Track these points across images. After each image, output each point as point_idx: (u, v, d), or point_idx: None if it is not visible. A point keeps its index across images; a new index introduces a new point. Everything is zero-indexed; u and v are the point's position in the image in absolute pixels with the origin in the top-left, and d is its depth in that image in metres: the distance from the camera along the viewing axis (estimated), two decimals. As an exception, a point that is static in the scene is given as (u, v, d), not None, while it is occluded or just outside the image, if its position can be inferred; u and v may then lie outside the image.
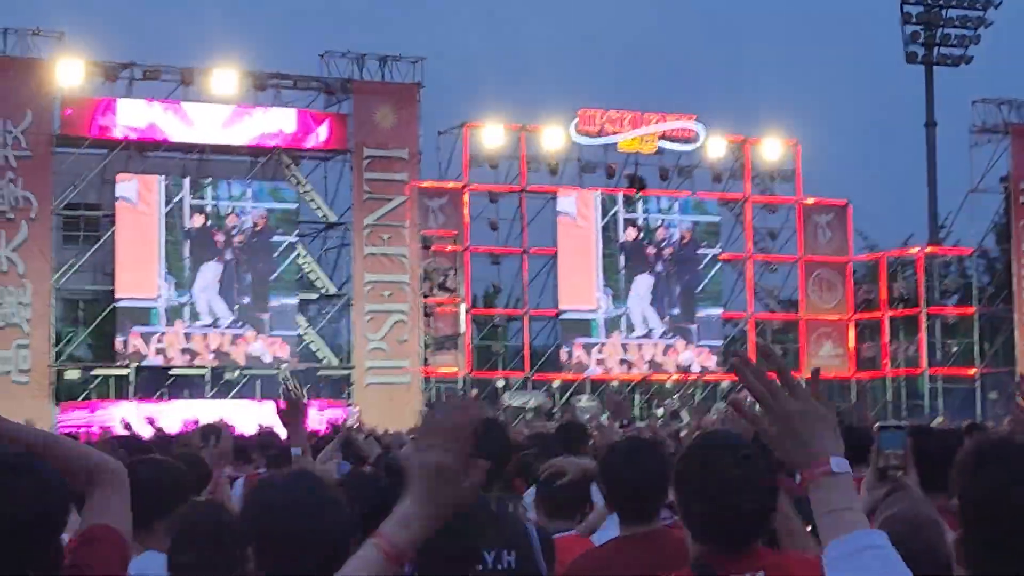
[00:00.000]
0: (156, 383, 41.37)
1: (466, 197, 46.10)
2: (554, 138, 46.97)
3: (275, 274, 43.20)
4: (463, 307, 45.16)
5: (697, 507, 4.00)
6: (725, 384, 47.53)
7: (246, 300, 42.72)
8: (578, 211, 47.17)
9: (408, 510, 2.96)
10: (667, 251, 48.28)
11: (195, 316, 42.13)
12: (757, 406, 2.91)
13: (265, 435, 13.05)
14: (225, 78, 42.74)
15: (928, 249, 51.14)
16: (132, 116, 42.02)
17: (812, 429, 2.87)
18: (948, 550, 3.88)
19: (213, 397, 39.94)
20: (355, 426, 13.21)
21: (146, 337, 41.44)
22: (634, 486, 5.37)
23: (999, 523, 2.72)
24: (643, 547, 5.22)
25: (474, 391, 41.65)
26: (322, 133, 44.25)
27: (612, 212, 47.75)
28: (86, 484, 3.84)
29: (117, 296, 41.40)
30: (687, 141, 48.27)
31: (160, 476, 6.07)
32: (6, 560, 3.40)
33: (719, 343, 49.03)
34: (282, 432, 12.10)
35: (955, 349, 49.56)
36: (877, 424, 4.67)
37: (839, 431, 2.87)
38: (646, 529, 5.38)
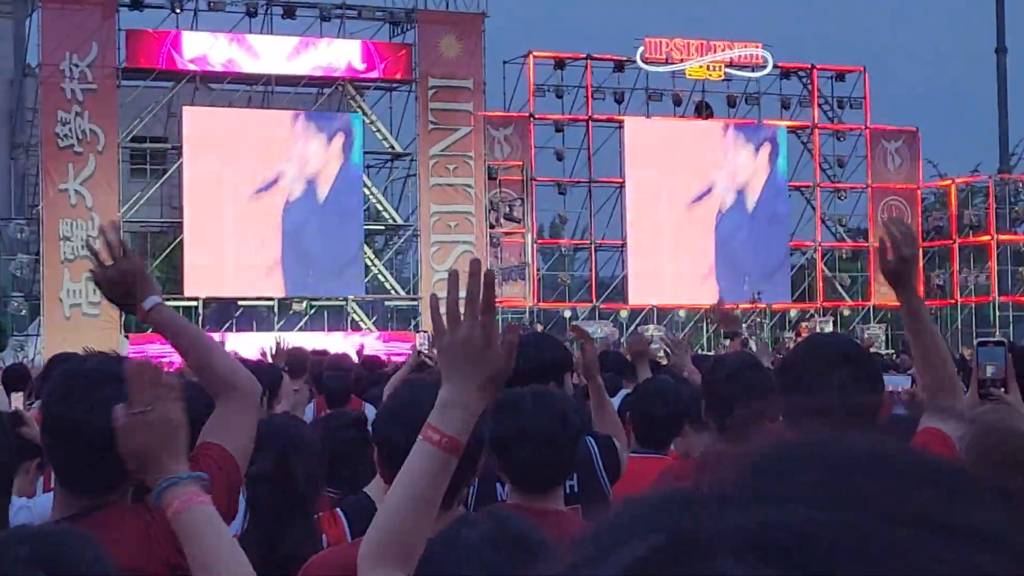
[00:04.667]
0: (224, 315, 41.54)
1: (532, 127, 45.89)
2: (619, 67, 46.67)
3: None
4: (530, 237, 45.08)
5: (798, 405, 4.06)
6: (794, 312, 47.30)
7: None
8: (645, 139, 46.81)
9: (446, 395, 2.93)
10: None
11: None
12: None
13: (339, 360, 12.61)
14: (290, 9, 42.74)
15: (998, 176, 50.47)
16: (197, 48, 42.04)
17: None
18: None
19: (280, 329, 40.05)
20: (425, 350, 13.16)
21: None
22: (736, 399, 5.26)
23: None
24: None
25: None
26: (387, 64, 44.11)
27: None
28: (217, 398, 3.86)
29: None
30: (754, 68, 47.80)
31: None
32: (97, 467, 3.35)
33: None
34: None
35: (1027, 277, 49.00)
36: (976, 340, 4.71)
37: None
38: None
